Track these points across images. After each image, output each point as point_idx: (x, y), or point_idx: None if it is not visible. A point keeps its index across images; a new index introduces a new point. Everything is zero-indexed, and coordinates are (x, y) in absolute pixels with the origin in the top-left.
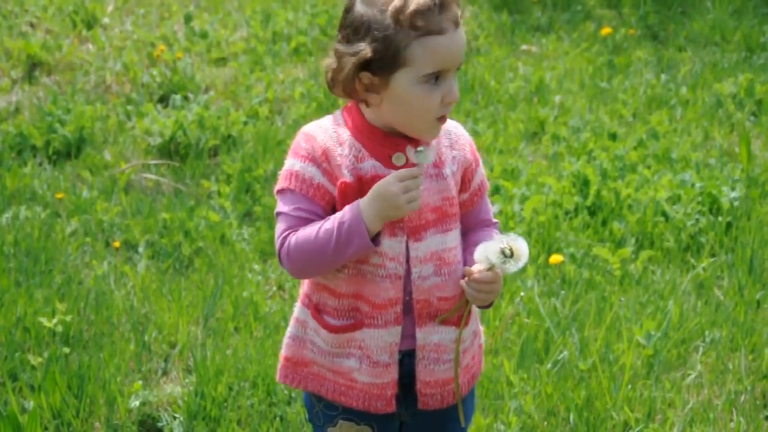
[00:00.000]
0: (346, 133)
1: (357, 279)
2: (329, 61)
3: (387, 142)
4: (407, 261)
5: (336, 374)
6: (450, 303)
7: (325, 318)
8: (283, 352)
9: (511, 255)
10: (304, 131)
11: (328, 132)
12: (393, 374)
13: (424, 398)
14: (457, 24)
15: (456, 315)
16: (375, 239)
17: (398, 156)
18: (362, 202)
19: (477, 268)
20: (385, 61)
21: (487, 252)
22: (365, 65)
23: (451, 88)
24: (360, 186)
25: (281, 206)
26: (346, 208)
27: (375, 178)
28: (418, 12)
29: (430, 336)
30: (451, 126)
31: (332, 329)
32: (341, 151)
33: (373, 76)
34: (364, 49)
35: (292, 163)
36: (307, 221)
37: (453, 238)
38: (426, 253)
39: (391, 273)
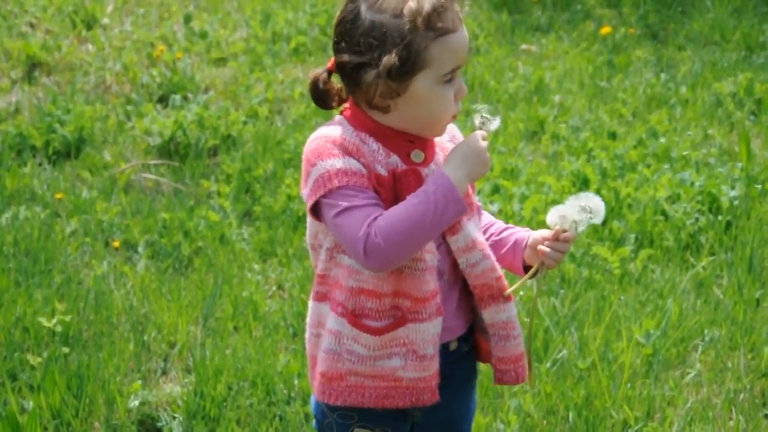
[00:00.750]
0: (362, 135)
1: (396, 276)
2: (321, 73)
3: (398, 141)
4: (439, 251)
5: (376, 379)
6: (503, 280)
7: (366, 322)
8: (319, 368)
9: (590, 211)
10: (321, 136)
11: (347, 131)
12: (436, 365)
13: (499, 374)
14: (461, 20)
15: (509, 291)
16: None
17: (417, 153)
18: (446, 167)
19: (556, 231)
20: (407, 66)
21: (565, 212)
22: (394, 69)
23: (462, 84)
24: (394, 179)
25: (341, 203)
26: (431, 178)
27: (410, 172)
28: (435, 12)
29: (497, 315)
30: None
31: (375, 331)
32: (368, 148)
33: (392, 82)
34: (387, 57)
35: (331, 164)
36: (378, 207)
37: (477, 223)
38: (467, 242)
39: (429, 266)
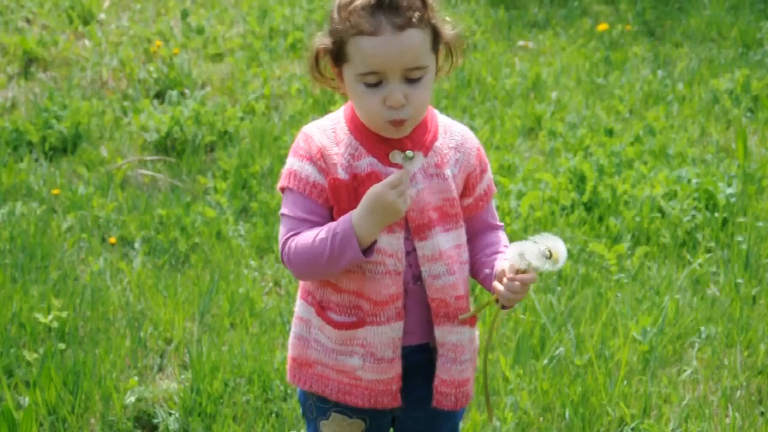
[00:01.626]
0: (344, 132)
1: (357, 276)
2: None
3: (382, 139)
4: (409, 258)
5: (340, 373)
6: (465, 302)
7: (329, 314)
8: (289, 353)
9: (550, 256)
10: (303, 131)
11: (326, 131)
12: (397, 369)
13: (439, 396)
14: (401, 27)
15: (469, 313)
16: (369, 249)
17: (394, 153)
18: (355, 213)
19: (513, 268)
20: (335, 54)
21: (524, 253)
22: (329, 52)
23: (391, 92)
24: (355, 184)
25: (283, 207)
26: (341, 218)
27: (371, 175)
28: (354, 10)
29: (448, 335)
30: (459, 129)
31: (336, 325)
32: (337, 150)
33: (333, 66)
34: (324, 38)
35: (291, 162)
36: (306, 222)
37: (457, 236)
38: (434, 252)
39: (390, 270)
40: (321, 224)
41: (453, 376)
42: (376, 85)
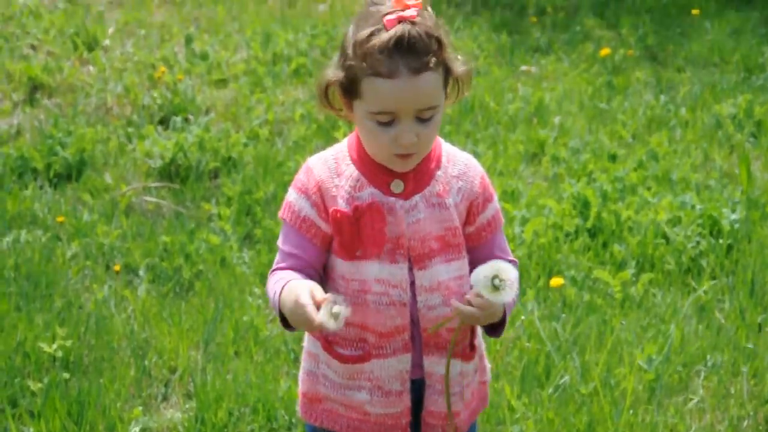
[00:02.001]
0: (346, 163)
1: (361, 308)
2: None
3: (385, 170)
4: (412, 288)
5: (348, 408)
6: (460, 335)
7: (336, 348)
8: (300, 388)
9: (501, 285)
10: (306, 162)
11: (328, 163)
12: (406, 402)
13: (426, 428)
14: (417, 71)
15: (461, 346)
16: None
17: (397, 183)
18: (285, 289)
19: (473, 292)
20: (347, 87)
21: (479, 278)
22: (339, 84)
23: (403, 132)
24: (356, 215)
25: (279, 238)
26: (287, 286)
27: (372, 206)
28: (370, 50)
29: (437, 366)
30: (462, 157)
31: (342, 359)
32: (338, 182)
33: (342, 97)
34: (336, 71)
35: (289, 194)
36: (292, 257)
37: (458, 267)
38: (432, 283)
39: (395, 300)
40: (305, 261)
41: (441, 408)
42: (387, 123)
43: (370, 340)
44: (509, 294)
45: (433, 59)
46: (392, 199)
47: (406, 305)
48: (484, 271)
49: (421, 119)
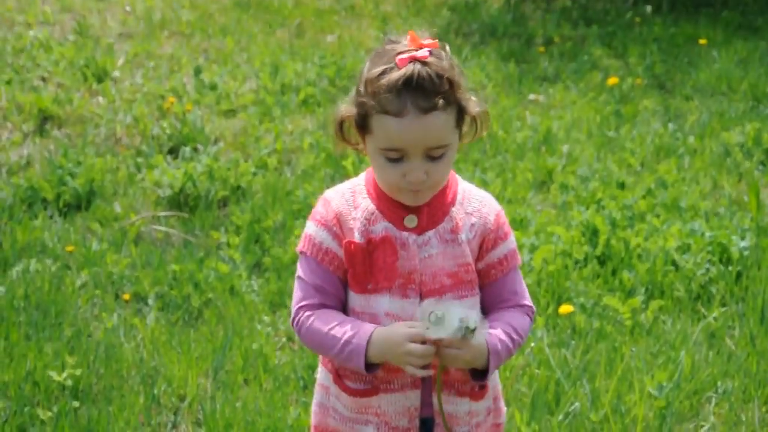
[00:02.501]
0: (362, 196)
1: None
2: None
3: (399, 205)
4: None
5: None
6: (466, 373)
7: (345, 382)
8: (311, 420)
9: (473, 330)
10: (323, 195)
11: (345, 196)
12: None
13: None
14: (425, 110)
15: (470, 385)
16: (374, 365)
17: (410, 218)
18: (376, 332)
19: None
20: (359, 123)
21: (444, 318)
22: (354, 119)
23: (411, 169)
24: (370, 248)
25: (299, 269)
26: (363, 330)
27: (385, 240)
28: (379, 89)
29: (445, 405)
30: (478, 195)
31: (351, 392)
32: (354, 215)
33: (357, 132)
34: (350, 106)
35: (308, 227)
36: (318, 290)
37: (471, 305)
38: None
39: None
40: (334, 295)
41: None
42: (397, 159)
43: (379, 375)
44: (445, 331)
45: (442, 100)
46: (405, 233)
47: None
48: (453, 313)
49: (432, 157)
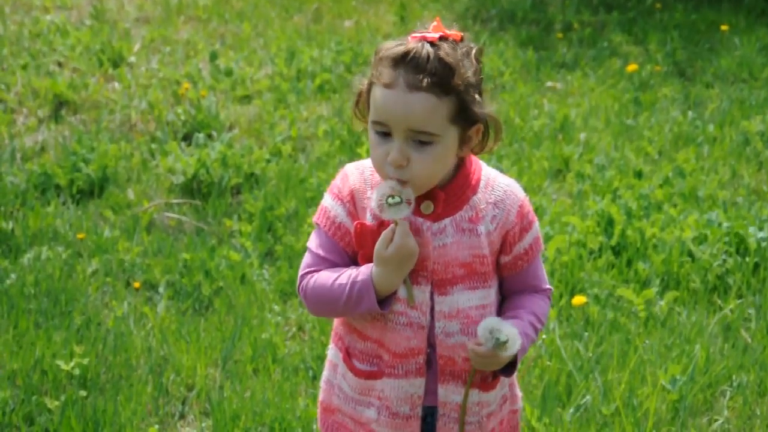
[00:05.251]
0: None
1: (380, 324)
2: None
3: None
4: (431, 313)
5: (357, 424)
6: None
7: (353, 361)
8: (319, 396)
9: (505, 342)
10: (345, 169)
11: (364, 174)
12: (414, 428)
13: None
14: (413, 88)
15: (480, 375)
16: (387, 301)
17: (427, 204)
18: (376, 266)
19: (479, 338)
20: (366, 97)
21: (485, 330)
22: (366, 94)
23: (394, 149)
24: (381, 230)
25: (310, 240)
26: (363, 267)
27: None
28: (382, 58)
29: (452, 395)
30: (503, 183)
31: (357, 373)
32: (370, 194)
33: (365, 107)
34: (363, 79)
35: (325, 199)
36: (326, 261)
37: (482, 296)
38: (452, 309)
39: (413, 322)
40: (340, 265)
41: None
42: (384, 136)
43: (384, 358)
44: (510, 350)
45: (433, 79)
46: (420, 219)
47: (424, 328)
48: (489, 326)
49: (416, 142)
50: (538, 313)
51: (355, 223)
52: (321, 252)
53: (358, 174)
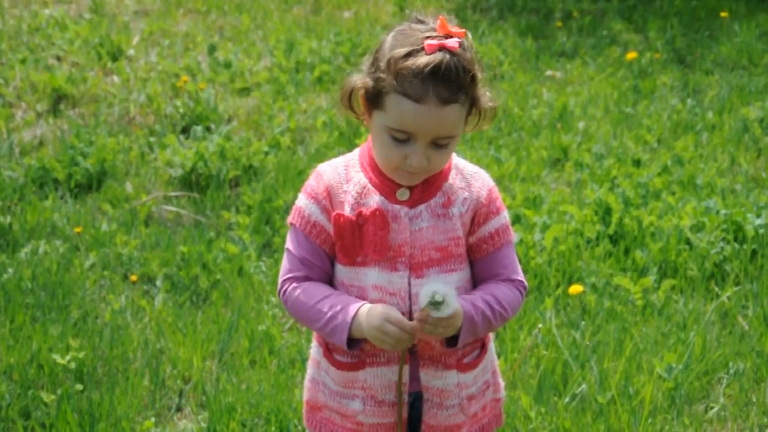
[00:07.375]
0: (355, 170)
1: None
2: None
3: (388, 178)
4: (409, 297)
5: (344, 418)
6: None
7: (334, 355)
8: (304, 396)
9: (440, 302)
10: (317, 169)
11: (338, 170)
12: (401, 413)
13: None
14: (444, 102)
15: (455, 356)
16: (357, 342)
17: (403, 191)
18: (361, 312)
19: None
20: (371, 97)
21: (426, 291)
22: (365, 92)
23: (414, 154)
24: (360, 221)
25: (288, 242)
26: (350, 306)
27: (376, 212)
28: (405, 71)
29: (433, 380)
30: (471, 170)
31: (339, 366)
32: (346, 188)
33: (364, 104)
34: (365, 78)
35: (299, 199)
36: (305, 263)
37: (457, 279)
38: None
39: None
40: (320, 268)
41: (439, 421)
42: (402, 141)
43: (365, 348)
44: (444, 311)
45: (463, 95)
46: (397, 206)
47: (405, 314)
48: (426, 289)
49: (437, 145)
50: (497, 295)
51: (334, 214)
52: (299, 254)
53: (332, 170)
